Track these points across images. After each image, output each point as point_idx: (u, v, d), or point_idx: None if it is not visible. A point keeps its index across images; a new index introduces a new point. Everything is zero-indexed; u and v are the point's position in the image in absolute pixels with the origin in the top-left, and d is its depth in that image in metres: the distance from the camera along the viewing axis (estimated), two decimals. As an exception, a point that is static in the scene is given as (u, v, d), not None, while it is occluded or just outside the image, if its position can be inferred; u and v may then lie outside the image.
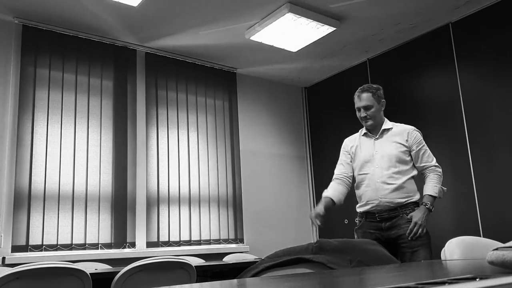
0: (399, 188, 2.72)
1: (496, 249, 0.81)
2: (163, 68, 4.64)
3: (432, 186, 2.72)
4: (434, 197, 2.71)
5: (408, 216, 2.66)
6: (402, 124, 2.90)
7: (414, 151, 2.78)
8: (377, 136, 2.85)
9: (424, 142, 2.82)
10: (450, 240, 1.60)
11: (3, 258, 3.46)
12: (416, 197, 2.77)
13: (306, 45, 4.54)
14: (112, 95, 4.28)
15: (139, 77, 4.50)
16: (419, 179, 2.82)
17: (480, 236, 3.66)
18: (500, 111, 3.85)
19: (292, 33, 4.25)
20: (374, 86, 2.90)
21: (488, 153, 3.86)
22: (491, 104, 3.89)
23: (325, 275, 0.86)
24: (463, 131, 4.04)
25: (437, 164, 2.79)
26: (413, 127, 2.86)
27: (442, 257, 1.53)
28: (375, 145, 2.84)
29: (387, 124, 2.89)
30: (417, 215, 2.63)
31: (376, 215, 2.76)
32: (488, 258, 0.82)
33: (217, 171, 4.76)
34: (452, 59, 4.21)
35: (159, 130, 4.46)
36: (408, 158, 2.78)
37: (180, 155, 4.54)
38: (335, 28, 4.21)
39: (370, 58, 5.00)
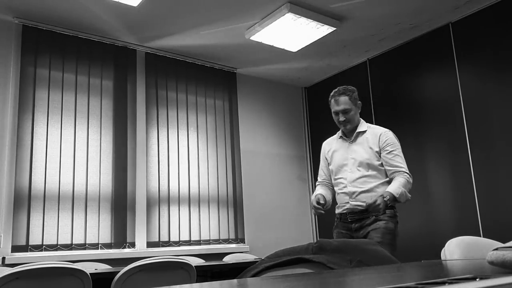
0: (368, 191, 2.76)
1: (496, 249, 0.81)
2: (163, 68, 4.64)
3: (396, 187, 2.67)
4: (394, 196, 2.64)
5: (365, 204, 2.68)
6: (377, 127, 2.90)
7: (383, 154, 2.79)
8: (352, 139, 2.88)
9: (397, 146, 2.80)
10: (450, 240, 1.60)
11: (3, 258, 3.46)
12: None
13: (306, 45, 4.54)
14: (112, 95, 4.28)
15: (139, 77, 4.50)
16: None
17: (480, 236, 3.66)
18: (500, 111, 3.85)
19: (292, 33, 4.25)
20: (350, 88, 2.90)
21: (488, 153, 3.86)
22: (491, 104, 3.89)
23: (325, 275, 0.86)
24: (463, 131, 4.04)
25: (407, 170, 2.77)
26: (387, 130, 2.86)
27: (442, 257, 1.53)
28: (349, 149, 2.87)
29: (362, 126, 2.90)
30: (371, 199, 2.67)
31: (348, 216, 2.82)
32: (488, 258, 0.82)
33: (217, 171, 4.76)
34: (452, 59, 4.21)
35: (159, 130, 4.46)
36: (379, 163, 2.79)
37: (180, 155, 4.54)
38: (335, 28, 4.21)
39: (370, 58, 5.00)
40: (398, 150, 2.80)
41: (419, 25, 4.35)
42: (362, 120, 2.94)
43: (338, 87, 2.91)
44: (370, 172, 2.78)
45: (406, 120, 4.53)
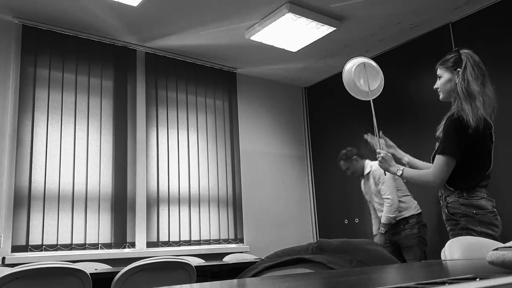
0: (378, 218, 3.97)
1: (496, 249, 0.81)
2: (163, 68, 4.64)
3: (384, 217, 3.74)
4: (386, 224, 3.73)
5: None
6: (374, 163, 3.85)
7: (377, 187, 3.85)
8: (364, 180, 4.05)
9: (382, 178, 3.75)
10: (450, 240, 1.60)
11: (3, 258, 3.46)
12: (408, 213, 3.75)
13: (306, 45, 4.54)
14: (112, 95, 4.28)
15: (139, 77, 4.50)
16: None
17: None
18: (500, 111, 3.84)
19: (292, 33, 4.25)
20: (343, 152, 4.07)
21: (488, 153, 3.86)
22: (491, 104, 3.88)
23: (325, 275, 0.86)
24: (463, 131, 4.03)
25: (388, 196, 3.73)
26: (375, 164, 3.77)
27: (442, 257, 1.53)
28: (364, 186, 4.08)
29: (366, 169, 3.97)
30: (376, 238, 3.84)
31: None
32: (488, 258, 0.82)
33: (217, 171, 4.76)
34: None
35: (159, 130, 4.46)
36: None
37: (180, 155, 4.54)
38: (335, 28, 4.21)
39: (370, 58, 4.99)
40: (383, 180, 3.77)
41: (419, 25, 4.35)
42: (366, 162, 4.01)
43: (340, 154, 4.12)
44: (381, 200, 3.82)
45: (406, 120, 4.53)
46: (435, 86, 2.39)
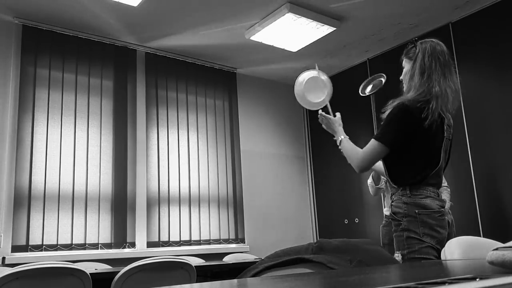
0: None
1: (496, 249, 0.81)
2: (163, 68, 4.64)
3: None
4: None
5: None
6: None
7: None
8: None
9: None
10: (450, 240, 1.60)
11: (3, 258, 3.46)
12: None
13: (306, 45, 4.54)
14: (112, 95, 4.28)
15: (139, 77, 4.50)
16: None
17: (480, 236, 3.65)
18: (500, 111, 3.85)
19: (292, 33, 4.25)
20: None
21: (488, 153, 3.86)
22: (491, 104, 3.88)
23: (325, 275, 0.86)
24: (463, 131, 4.04)
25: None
26: None
27: (442, 257, 1.54)
28: None
29: None
30: None
31: None
32: (488, 258, 0.82)
33: (217, 171, 4.76)
34: (452, 59, 4.20)
35: (159, 130, 4.46)
36: None
37: (180, 155, 4.54)
38: (335, 28, 4.21)
39: (370, 58, 5.00)
40: None
41: (419, 25, 4.35)
42: None
43: None
44: None
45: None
46: (401, 77, 2.34)
